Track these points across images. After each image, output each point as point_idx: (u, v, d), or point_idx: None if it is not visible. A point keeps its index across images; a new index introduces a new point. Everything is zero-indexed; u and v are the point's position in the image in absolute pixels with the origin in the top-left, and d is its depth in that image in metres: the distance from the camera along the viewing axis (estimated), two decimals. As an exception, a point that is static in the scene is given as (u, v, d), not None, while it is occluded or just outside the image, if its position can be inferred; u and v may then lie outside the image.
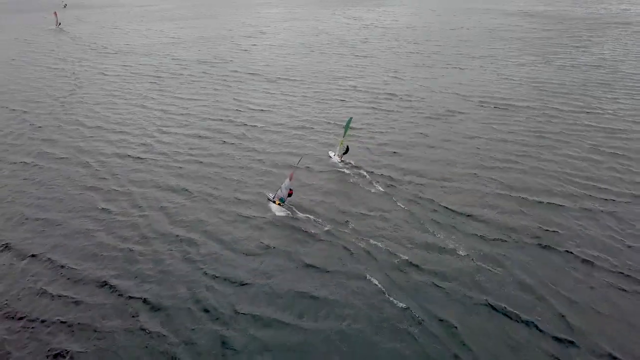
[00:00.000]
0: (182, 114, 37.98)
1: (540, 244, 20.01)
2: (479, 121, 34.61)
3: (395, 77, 48.20)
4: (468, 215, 22.22)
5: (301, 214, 22.50)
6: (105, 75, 52.07)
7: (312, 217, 22.27)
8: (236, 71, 52.03)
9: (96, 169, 28.25)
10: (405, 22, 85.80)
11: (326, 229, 21.28)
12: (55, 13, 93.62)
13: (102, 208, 23.73)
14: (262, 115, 37.37)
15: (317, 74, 50.18)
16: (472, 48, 60.40)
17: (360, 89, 44.15)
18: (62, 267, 19.38)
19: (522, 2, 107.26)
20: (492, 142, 30.82)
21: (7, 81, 50.26)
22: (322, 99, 40.91)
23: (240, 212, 23.08)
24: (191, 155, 30.01)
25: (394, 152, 29.55)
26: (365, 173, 26.63)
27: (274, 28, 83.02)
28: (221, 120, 36.46)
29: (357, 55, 58.56)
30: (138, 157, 29.78)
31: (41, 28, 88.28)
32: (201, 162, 28.92)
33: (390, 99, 40.63)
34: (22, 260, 19.99)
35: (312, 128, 34.22)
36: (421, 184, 25.28)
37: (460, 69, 50.53)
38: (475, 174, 26.42)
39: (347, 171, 27.04)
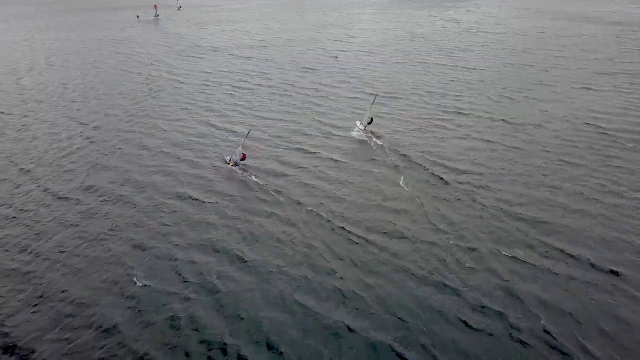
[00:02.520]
0: (256, 139, 32.40)
1: None
2: (634, 173, 26.08)
3: (507, 97, 40.07)
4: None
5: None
6: (182, 82, 48.67)
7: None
8: (322, 84, 46.26)
9: (146, 215, 23.67)
10: (511, 26, 75.53)
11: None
12: (155, 6, 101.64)
13: (141, 284, 18.65)
14: (347, 152, 31.15)
15: (413, 89, 43.14)
16: (601, 62, 49.95)
17: (465, 111, 36.63)
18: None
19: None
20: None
21: (85, 87, 48.56)
22: (420, 126, 33.92)
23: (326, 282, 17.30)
24: (263, 201, 24.59)
25: (517, 213, 22.22)
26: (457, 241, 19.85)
27: (365, 31, 76.55)
28: (302, 150, 30.62)
29: (459, 67, 50.65)
30: (197, 200, 24.86)
31: (133, 26, 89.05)
32: (273, 212, 23.50)
33: (505, 130, 32.66)
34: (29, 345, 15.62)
35: (407, 164, 27.68)
36: (562, 265, 18.01)
37: (590, 89, 41.14)
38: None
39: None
